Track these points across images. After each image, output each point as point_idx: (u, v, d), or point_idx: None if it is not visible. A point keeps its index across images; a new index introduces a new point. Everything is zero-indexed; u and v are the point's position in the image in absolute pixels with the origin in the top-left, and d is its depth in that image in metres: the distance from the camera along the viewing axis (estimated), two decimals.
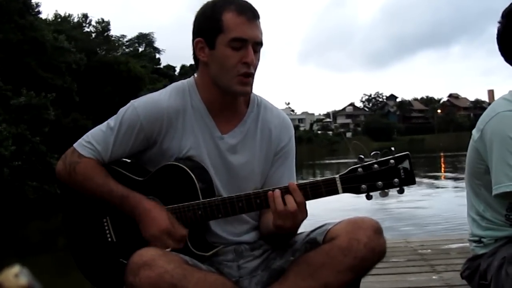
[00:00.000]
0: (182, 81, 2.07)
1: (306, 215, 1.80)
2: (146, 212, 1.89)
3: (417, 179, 1.73)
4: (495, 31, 2.28)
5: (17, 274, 0.58)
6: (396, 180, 1.71)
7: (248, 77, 1.91)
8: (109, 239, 2.02)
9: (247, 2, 1.94)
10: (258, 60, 1.94)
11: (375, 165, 1.72)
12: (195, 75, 2.05)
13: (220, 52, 1.89)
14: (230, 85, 1.91)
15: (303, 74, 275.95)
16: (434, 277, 3.11)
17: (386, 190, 1.73)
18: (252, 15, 1.89)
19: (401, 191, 1.73)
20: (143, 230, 1.90)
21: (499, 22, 2.27)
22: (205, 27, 1.92)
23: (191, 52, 1.98)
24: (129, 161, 2.05)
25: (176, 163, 1.92)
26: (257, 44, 1.91)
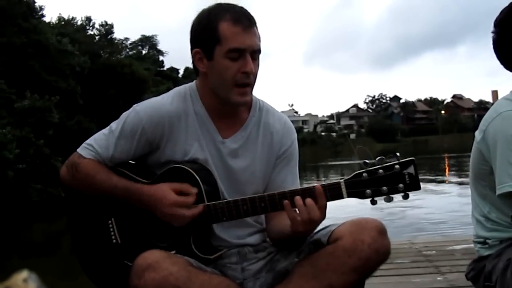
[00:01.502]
0: (185, 85, 2.07)
1: (324, 217, 1.78)
2: (151, 197, 1.89)
3: (421, 179, 1.73)
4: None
5: (25, 279, 0.58)
6: (401, 185, 1.71)
7: (247, 86, 1.91)
8: (114, 241, 2.03)
9: (242, 8, 1.92)
10: (258, 67, 1.93)
11: (380, 170, 1.72)
12: (196, 80, 2.05)
13: (218, 63, 1.88)
14: (229, 96, 1.91)
15: (308, 75, 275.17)
16: (438, 278, 3.10)
17: (390, 195, 1.73)
18: (248, 23, 1.88)
19: (405, 197, 1.73)
20: (158, 215, 1.90)
21: (492, 32, 2.28)
22: (202, 38, 1.91)
23: (191, 59, 1.99)
24: (134, 163, 2.06)
25: (182, 166, 1.92)
26: (255, 52, 1.90)
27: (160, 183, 1.93)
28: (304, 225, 1.75)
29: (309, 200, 1.73)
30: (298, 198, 1.75)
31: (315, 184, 1.77)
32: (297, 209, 1.75)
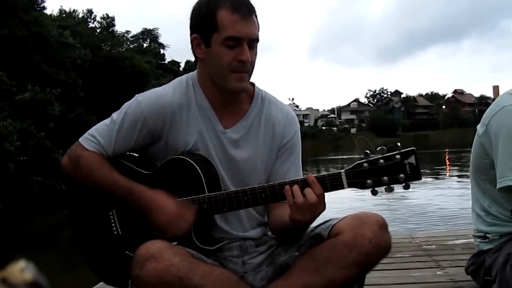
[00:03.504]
0: (186, 75, 2.07)
1: (325, 207, 1.77)
2: (152, 202, 1.90)
3: (422, 175, 1.72)
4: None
5: (22, 269, 0.58)
6: (401, 175, 1.70)
7: (243, 73, 1.90)
8: (115, 232, 2.03)
9: None
10: (255, 55, 1.93)
11: (381, 160, 1.71)
12: (197, 70, 2.05)
13: (215, 50, 1.88)
14: (226, 82, 1.91)
15: (312, 69, 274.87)
16: (438, 272, 3.10)
17: (391, 186, 1.73)
18: (247, 11, 1.87)
19: (406, 187, 1.72)
20: (153, 220, 1.91)
21: None
22: (201, 24, 1.91)
23: (190, 46, 1.99)
24: (136, 155, 2.06)
25: (182, 157, 1.92)
26: (253, 41, 1.90)
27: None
28: (303, 212, 1.74)
29: (307, 189, 1.74)
30: (296, 187, 1.75)
31: (309, 174, 1.78)
32: (295, 196, 1.74)
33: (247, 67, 1.90)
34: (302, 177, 1.81)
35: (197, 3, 1.95)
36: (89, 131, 2.03)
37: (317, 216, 1.80)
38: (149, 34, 64.55)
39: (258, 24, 1.92)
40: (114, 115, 2.00)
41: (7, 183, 19.22)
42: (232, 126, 2.01)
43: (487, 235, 2.35)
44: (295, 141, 2.10)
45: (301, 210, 1.74)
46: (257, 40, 1.91)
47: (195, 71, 2.05)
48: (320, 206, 1.75)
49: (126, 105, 2.00)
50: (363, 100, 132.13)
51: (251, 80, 1.98)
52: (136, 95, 2.01)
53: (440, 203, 13.10)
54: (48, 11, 36.44)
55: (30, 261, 0.60)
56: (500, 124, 2.18)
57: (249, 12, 1.88)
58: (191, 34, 1.95)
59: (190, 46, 1.97)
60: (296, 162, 2.09)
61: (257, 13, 1.92)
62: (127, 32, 59.28)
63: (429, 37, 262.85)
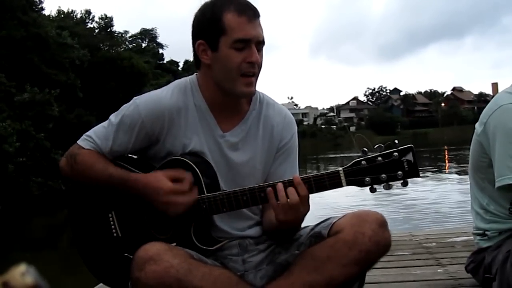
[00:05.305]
0: (185, 78, 2.06)
1: (308, 209, 1.80)
2: (148, 185, 1.89)
3: (420, 172, 1.73)
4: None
5: (23, 273, 0.58)
6: (399, 172, 1.71)
7: (252, 76, 1.90)
8: (115, 234, 2.03)
9: (245, 0, 1.92)
10: (262, 58, 1.93)
11: (379, 158, 1.72)
12: (197, 73, 2.04)
13: (224, 53, 1.87)
14: (234, 86, 1.91)
15: (313, 67, 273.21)
16: (439, 270, 3.11)
17: (390, 183, 1.73)
18: (252, 14, 1.88)
19: (405, 184, 1.73)
20: (154, 203, 1.89)
21: None
22: (206, 29, 1.90)
23: (192, 52, 1.98)
24: (134, 157, 2.06)
25: (181, 158, 1.92)
26: (260, 43, 1.90)
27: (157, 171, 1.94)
28: (285, 212, 1.76)
29: (291, 189, 1.76)
30: (280, 185, 1.77)
31: (295, 175, 1.81)
32: (279, 197, 1.77)
33: (256, 69, 1.90)
34: (289, 178, 1.81)
35: (199, 10, 1.94)
36: (87, 132, 2.03)
37: (301, 217, 1.83)
38: (148, 34, 64.61)
39: (262, 27, 1.92)
40: (112, 117, 2.00)
41: (6, 184, 19.23)
42: (231, 129, 2.01)
43: (486, 232, 2.35)
44: (292, 143, 2.10)
45: (284, 210, 1.76)
46: (263, 42, 1.92)
47: (195, 74, 2.04)
48: (303, 207, 1.77)
49: (124, 107, 1.99)
50: (362, 98, 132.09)
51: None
52: (135, 98, 2.00)
53: (440, 200, 13.12)
54: (46, 12, 36.53)
55: (31, 263, 0.61)
56: (497, 123, 2.18)
57: (255, 14, 1.89)
58: (195, 41, 1.93)
59: (192, 52, 1.97)
60: (293, 164, 2.09)
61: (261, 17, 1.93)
62: (126, 32, 59.35)
63: (430, 34, 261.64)
